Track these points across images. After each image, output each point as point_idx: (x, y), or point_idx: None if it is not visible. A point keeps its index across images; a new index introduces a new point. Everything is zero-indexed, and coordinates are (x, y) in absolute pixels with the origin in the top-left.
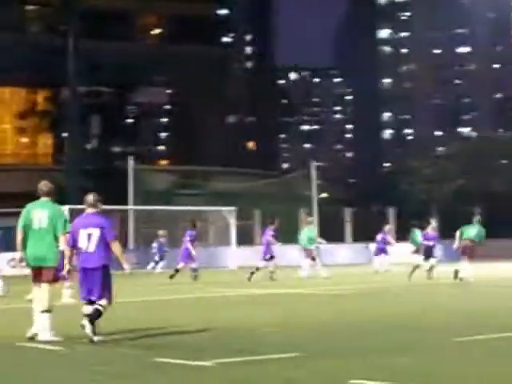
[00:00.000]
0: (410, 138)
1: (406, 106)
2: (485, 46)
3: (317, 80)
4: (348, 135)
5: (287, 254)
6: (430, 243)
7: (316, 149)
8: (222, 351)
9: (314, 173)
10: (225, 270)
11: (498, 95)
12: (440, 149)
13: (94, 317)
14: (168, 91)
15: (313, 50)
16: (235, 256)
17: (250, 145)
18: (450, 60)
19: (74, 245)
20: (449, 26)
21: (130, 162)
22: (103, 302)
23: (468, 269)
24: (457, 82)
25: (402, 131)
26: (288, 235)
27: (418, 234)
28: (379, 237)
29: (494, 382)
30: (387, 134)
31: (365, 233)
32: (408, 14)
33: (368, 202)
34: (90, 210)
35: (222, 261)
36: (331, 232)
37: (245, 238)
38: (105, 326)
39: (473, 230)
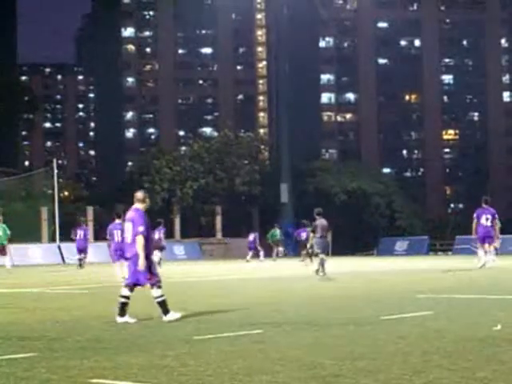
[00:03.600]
0: (153, 137)
1: (150, 105)
2: (227, 48)
3: (59, 77)
4: (90, 133)
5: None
6: None
7: (58, 147)
8: None
9: (55, 171)
10: None
11: (240, 96)
12: (183, 148)
13: None
14: None
15: (57, 47)
16: None
17: None
18: (193, 60)
19: None
20: (193, 26)
21: None
22: None
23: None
24: (200, 82)
25: (145, 131)
26: (30, 233)
27: None
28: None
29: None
30: (130, 132)
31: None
32: (152, 13)
33: (111, 201)
34: None
35: None
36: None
37: None
38: None
39: None
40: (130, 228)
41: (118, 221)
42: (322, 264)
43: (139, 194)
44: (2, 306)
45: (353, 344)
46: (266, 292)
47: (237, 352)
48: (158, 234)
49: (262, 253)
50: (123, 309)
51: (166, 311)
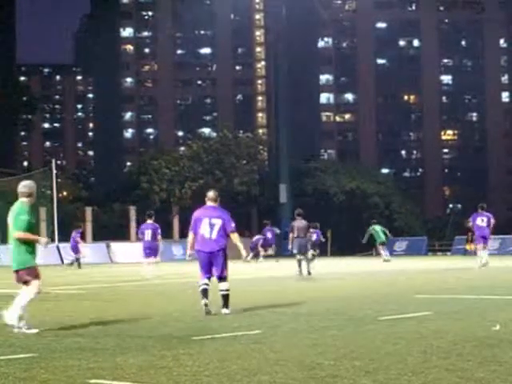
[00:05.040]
0: (151, 137)
1: (148, 105)
2: (226, 48)
3: (58, 77)
4: (89, 134)
5: None
6: None
7: (57, 147)
8: None
9: (54, 171)
10: None
11: (239, 96)
12: (182, 149)
13: None
14: None
15: (56, 48)
16: None
17: None
18: (192, 60)
19: None
20: (192, 26)
21: None
22: None
23: None
24: (199, 82)
25: (144, 131)
26: None
27: None
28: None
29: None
30: (129, 133)
31: (106, 232)
32: (151, 13)
33: (109, 201)
34: None
35: None
36: (72, 231)
37: None
38: None
39: None
40: (218, 224)
41: (149, 221)
42: (298, 264)
43: (212, 194)
44: (0, 306)
45: (351, 344)
46: (265, 292)
47: (235, 352)
48: (269, 234)
49: (261, 253)
50: (226, 300)
51: (226, 305)
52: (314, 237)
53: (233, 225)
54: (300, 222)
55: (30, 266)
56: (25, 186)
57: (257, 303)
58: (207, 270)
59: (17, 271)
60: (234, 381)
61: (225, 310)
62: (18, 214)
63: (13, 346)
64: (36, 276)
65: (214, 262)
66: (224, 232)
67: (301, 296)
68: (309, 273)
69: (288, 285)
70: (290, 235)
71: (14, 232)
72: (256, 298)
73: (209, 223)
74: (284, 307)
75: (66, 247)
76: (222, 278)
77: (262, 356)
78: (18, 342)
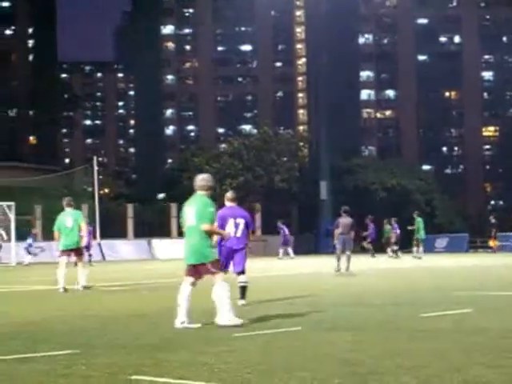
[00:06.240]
0: (192, 134)
1: (189, 102)
2: (266, 45)
3: (99, 75)
4: (131, 131)
5: None
6: None
7: (98, 144)
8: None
9: (95, 168)
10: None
11: (279, 93)
12: (223, 145)
13: None
14: None
15: (97, 44)
16: (14, 252)
17: (31, 139)
18: (232, 57)
19: None
20: (232, 23)
21: None
22: None
23: None
24: (239, 79)
25: (184, 128)
26: None
27: None
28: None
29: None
30: (170, 130)
31: (147, 229)
32: (192, 10)
33: (151, 198)
34: None
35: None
36: (113, 227)
37: (24, 234)
38: None
39: None
40: (242, 223)
41: None
42: (337, 260)
43: (231, 195)
44: (42, 302)
45: (392, 341)
46: (305, 289)
47: (276, 349)
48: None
49: (281, 251)
50: (244, 293)
51: (243, 296)
52: (398, 232)
53: (253, 225)
54: (346, 219)
55: (214, 259)
56: (203, 179)
57: (297, 299)
58: (226, 264)
59: (198, 265)
60: (275, 377)
61: (241, 301)
62: (205, 207)
63: (53, 342)
64: (219, 268)
65: (235, 257)
66: (247, 230)
67: (341, 292)
68: (347, 269)
69: (328, 281)
70: (336, 231)
71: (202, 224)
72: (296, 294)
73: (234, 222)
74: (324, 304)
75: (107, 244)
76: (242, 272)
77: (302, 352)
78: (58, 338)
